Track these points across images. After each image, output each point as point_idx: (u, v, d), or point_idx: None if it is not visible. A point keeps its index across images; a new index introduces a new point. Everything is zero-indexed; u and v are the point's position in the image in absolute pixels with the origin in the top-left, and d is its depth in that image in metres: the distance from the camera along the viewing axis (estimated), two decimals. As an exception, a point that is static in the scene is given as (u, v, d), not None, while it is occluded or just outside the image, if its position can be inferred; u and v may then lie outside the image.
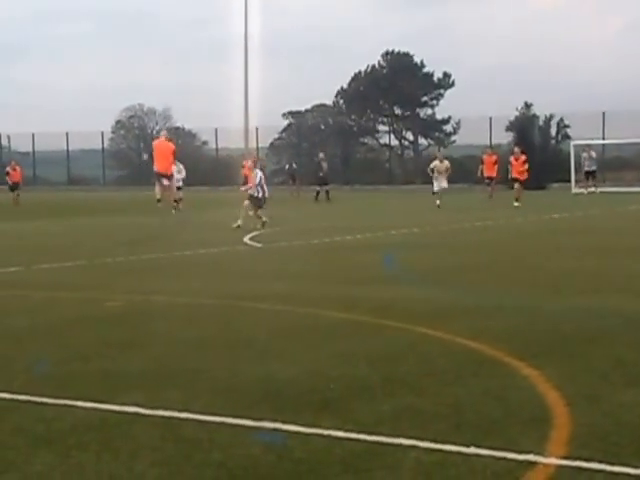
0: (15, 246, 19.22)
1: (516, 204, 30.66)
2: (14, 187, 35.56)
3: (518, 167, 33.12)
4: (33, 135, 63.81)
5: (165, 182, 25.33)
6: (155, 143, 26.04)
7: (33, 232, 23.36)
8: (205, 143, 67.79)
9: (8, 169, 37.37)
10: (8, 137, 69.07)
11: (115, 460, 4.90)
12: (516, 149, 35.03)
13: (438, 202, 31.00)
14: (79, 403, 6.00)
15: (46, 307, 10.51)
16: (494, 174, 37.21)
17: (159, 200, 24.61)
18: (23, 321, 9.41)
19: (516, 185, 32.58)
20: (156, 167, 25.03)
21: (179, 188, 30.46)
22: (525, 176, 33.05)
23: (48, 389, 6.37)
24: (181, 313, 10.01)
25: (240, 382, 6.60)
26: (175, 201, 29.02)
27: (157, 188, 24.93)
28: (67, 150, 65.00)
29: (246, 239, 19.20)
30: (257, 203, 22.84)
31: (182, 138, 69.91)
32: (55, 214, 24.66)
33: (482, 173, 37.84)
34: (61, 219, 24.93)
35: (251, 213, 22.66)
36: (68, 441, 5.22)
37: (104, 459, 4.92)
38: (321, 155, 41.37)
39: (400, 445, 5.05)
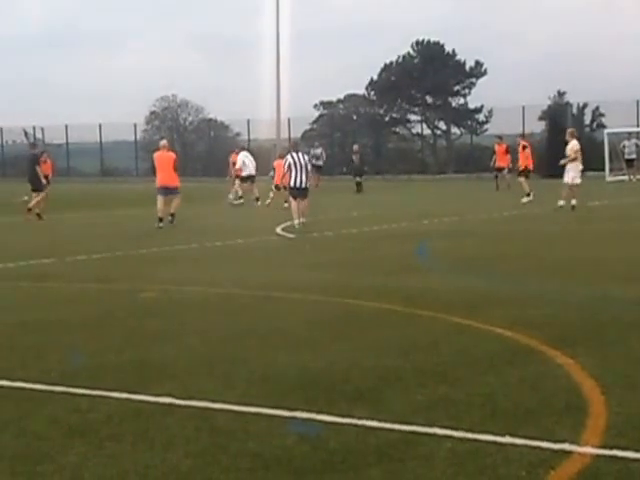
0: (49, 238, 19.35)
1: (525, 200, 26.94)
2: (45, 180, 35.33)
3: (521, 158, 30.53)
4: (66, 127, 64.17)
5: (170, 196, 22.07)
6: (156, 155, 22.82)
7: (66, 224, 23.50)
8: (238, 134, 67.84)
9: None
10: (42, 129, 69.59)
11: (149, 451, 4.92)
12: (519, 139, 32.97)
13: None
14: (113, 394, 6.03)
15: (81, 298, 10.57)
16: (505, 164, 35.64)
17: (161, 219, 20.70)
18: (58, 313, 9.47)
19: (520, 179, 29.39)
20: (159, 181, 21.75)
21: (250, 180, 30.54)
22: (526, 167, 29.97)
23: (83, 380, 6.40)
24: (215, 303, 10.04)
25: (274, 372, 6.60)
26: (256, 198, 28.86)
27: (159, 204, 21.26)
28: (100, 142, 65.37)
29: (278, 229, 19.21)
30: (294, 193, 20.30)
31: (215, 130, 70.10)
32: (88, 206, 24.77)
33: (494, 163, 36.57)
34: (95, 211, 25.06)
35: (286, 205, 21.11)
36: (102, 432, 5.25)
37: (138, 450, 4.94)
38: (355, 147, 40.99)
39: (434, 435, 5.03)
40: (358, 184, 37.19)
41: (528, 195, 27.63)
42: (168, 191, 21.44)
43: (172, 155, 22.54)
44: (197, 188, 35.89)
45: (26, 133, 71.26)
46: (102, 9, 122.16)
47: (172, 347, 7.58)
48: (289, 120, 58.29)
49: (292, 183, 20.15)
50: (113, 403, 5.86)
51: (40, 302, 10.35)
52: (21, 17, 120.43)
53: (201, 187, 37.48)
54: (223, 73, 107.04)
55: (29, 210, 24.54)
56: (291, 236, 18.11)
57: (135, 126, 66.03)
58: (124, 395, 5.99)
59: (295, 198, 20.19)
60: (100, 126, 64.68)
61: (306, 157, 21.14)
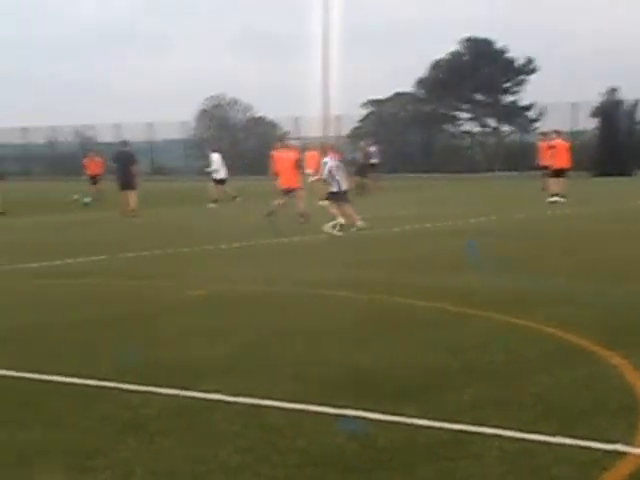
0: (99, 236, 19.53)
1: (553, 199, 26.13)
2: (94, 179, 35.18)
3: (546, 157, 28.82)
4: (118, 125, 64.77)
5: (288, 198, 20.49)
6: (275, 153, 21.44)
7: (117, 222, 23.69)
8: (286, 133, 67.99)
9: (86, 161, 36.88)
10: (94, 128, 70.35)
11: (199, 446, 4.94)
12: (546, 137, 30.77)
13: None
14: (164, 390, 6.06)
15: (132, 295, 10.66)
16: (549, 162, 33.72)
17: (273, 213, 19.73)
18: (109, 309, 9.56)
19: (547, 178, 28.06)
20: (281, 183, 20.41)
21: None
22: (550, 166, 28.25)
23: (134, 376, 6.45)
24: (263, 301, 10.06)
25: (322, 370, 6.60)
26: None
27: (278, 201, 20.18)
28: (151, 140, 65.98)
29: (327, 228, 19.20)
30: (336, 198, 19.29)
31: (263, 128, 70.30)
32: (139, 204, 24.95)
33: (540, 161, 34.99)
34: (145, 209, 25.24)
35: (334, 211, 19.51)
36: (153, 428, 5.28)
37: (188, 445, 4.97)
38: (361, 144, 39.64)
39: (484, 434, 4.99)
40: (360, 185, 32.55)
41: (556, 195, 26.70)
42: (290, 192, 20.58)
43: (295, 154, 21.28)
44: (245, 187, 36.00)
45: (78, 132, 72.13)
46: (155, 10, 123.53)
47: (221, 344, 7.61)
48: (337, 118, 58.26)
49: (337, 188, 19.17)
50: (163, 399, 5.89)
51: (91, 298, 10.44)
52: (76, 18, 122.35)
53: (249, 185, 37.57)
54: (272, 71, 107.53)
55: (132, 210, 24.52)
56: (340, 234, 18.09)
57: (184, 125, 66.63)
58: (174, 391, 6.03)
59: (337, 202, 19.21)
60: (150, 125, 65.34)
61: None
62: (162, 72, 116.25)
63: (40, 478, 4.51)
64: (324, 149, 21.42)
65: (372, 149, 37.94)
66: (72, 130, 72.10)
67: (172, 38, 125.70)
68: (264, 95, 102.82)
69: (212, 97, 72.94)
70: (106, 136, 65.20)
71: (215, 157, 31.88)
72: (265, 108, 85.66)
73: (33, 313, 9.43)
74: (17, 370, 6.69)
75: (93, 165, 35.73)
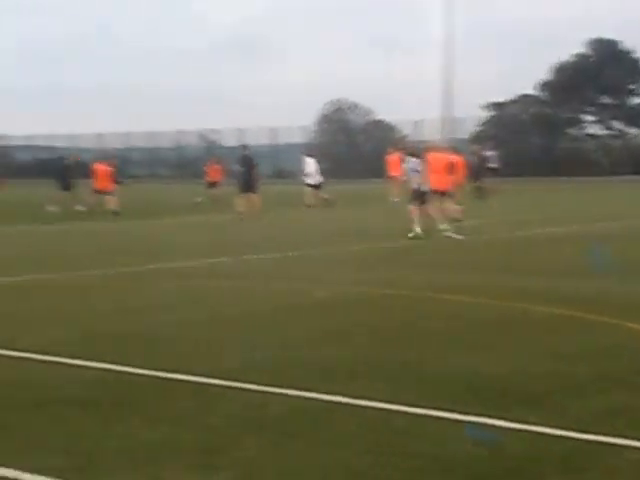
0: (225, 237, 19.79)
1: None
2: (212, 184, 35.18)
3: None
4: (242, 130, 65.70)
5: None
6: (429, 156, 19.81)
7: (238, 224, 23.94)
8: (405, 136, 67.77)
9: (206, 167, 36.96)
10: (219, 132, 71.58)
11: (324, 448, 4.91)
12: None
13: None
14: (288, 391, 6.06)
15: (256, 296, 10.74)
16: None
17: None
18: (234, 309, 9.65)
19: None
20: (432, 184, 18.96)
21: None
22: None
23: (257, 376, 6.47)
24: (383, 304, 10.01)
25: (445, 374, 6.52)
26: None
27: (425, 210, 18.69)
28: (274, 144, 66.84)
29: (446, 231, 19.01)
30: (419, 197, 18.82)
31: (382, 131, 70.28)
32: (263, 207, 25.18)
33: None
34: (269, 211, 25.45)
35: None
36: (276, 428, 5.28)
37: (313, 447, 4.95)
38: (474, 147, 39.08)
39: (616, 445, 4.83)
40: (477, 188, 32.39)
41: None
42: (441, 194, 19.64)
43: (451, 158, 20.43)
44: (364, 190, 36.00)
45: (203, 136, 73.49)
46: (279, 17, 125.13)
47: (342, 346, 7.60)
48: (456, 121, 57.77)
49: (416, 185, 18.77)
50: (286, 400, 5.89)
51: (218, 299, 10.56)
52: (208, 28, 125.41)
53: (367, 189, 37.54)
54: (393, 75, 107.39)
55: (253, 213, 24.66)
56: (459, 237, 17.89)
57: (305, 129, 67.23)
58: (296, 392, 6.02)
59: (418, 201, 18.72)
60: (273, 130, 66.16)
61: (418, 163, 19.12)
62: (287, 76, 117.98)
63: (168, 476, 4.56)
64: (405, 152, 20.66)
65: (488, 153, 37.43)
66: (197, 134, 73.57)
67: (298, 43, 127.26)
68: (384, 98, 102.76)
69: (332, 101, 73.35)
70: (230, 140, 66.28)
71: (309, 161, 31.73)
72: (385, 112, 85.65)
73: (164, 313, 9.56)
74: (145, 368, 6.80)
75: (213, 171, 36.11)
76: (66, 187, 30.48)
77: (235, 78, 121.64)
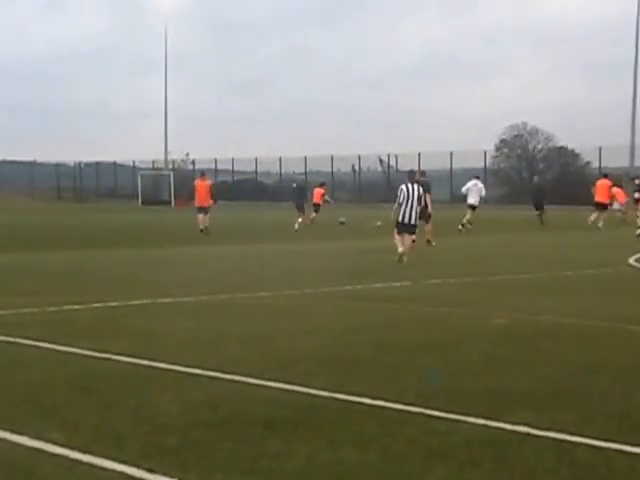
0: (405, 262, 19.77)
1: None
2: (316, 209, 36.14)
3: None
4: (419, 155, 65.83)
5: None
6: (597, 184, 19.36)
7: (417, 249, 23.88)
8: (588, 163, 66.13)
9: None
10: (396, 157, 72.02)
11: (509, 479, 4.84)
12: None
13: None
14: (469, 419, 6.02)
15: (435, 321, 10.69)
16: None
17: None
18: (414, 334, 9.63)
19: None
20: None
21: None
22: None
23: (439, 402, 6.45)
24: (568, 333, 9.77)
25: (633, 409, 6.31)
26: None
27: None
28: (450, 169, 66.64)
29: (631, 260, 18.43)
30: (400, 229, 18.71)
31: (564, 158, 68.94)
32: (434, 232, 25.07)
33: None
34: (440, 237, 25.33)
35: None
36: (461, 456, 5.24)
37: (499, 477, 4.89)
38: (535, 178, 39.05)
39: None
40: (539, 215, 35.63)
41: None
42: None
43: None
44: (547, 216, 35.43)
45: (381, 161, 74.16)
46: (468, 40, 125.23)
47: (526, 375, 7.47)
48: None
49: (400, 218, 18.50)
50: (469, 428, 5.84)
51: (397, 323, 10.57)
52: (400, 49, 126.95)
53: (551, 215, 36.87)
54: (578, 99, 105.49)
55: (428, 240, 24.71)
56: (647, 268, 17.30)
57: (485, 153, 66.76)
58: (480, 421, 5.97)
59: (399, 233, 18.61)
60: (451, 154, 66.03)
61: (421, 190, 18.74)
62: (472, 101, 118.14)
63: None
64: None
65: None
66: (376, 158, 74.26)
67: (488, 68, 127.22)
68: (567, 124, 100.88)
69: (512, 126, 72.58)
70: (406, 164, 66.53)
71: (471, 183, 33.21)
72: (568, 138, 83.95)
73: (342, 334, 9.63)
74: (328, 390, 6.87)
75: (317, 195, 37.06)
76: (300, 207, 33.98)
77: (424, 100, 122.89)
